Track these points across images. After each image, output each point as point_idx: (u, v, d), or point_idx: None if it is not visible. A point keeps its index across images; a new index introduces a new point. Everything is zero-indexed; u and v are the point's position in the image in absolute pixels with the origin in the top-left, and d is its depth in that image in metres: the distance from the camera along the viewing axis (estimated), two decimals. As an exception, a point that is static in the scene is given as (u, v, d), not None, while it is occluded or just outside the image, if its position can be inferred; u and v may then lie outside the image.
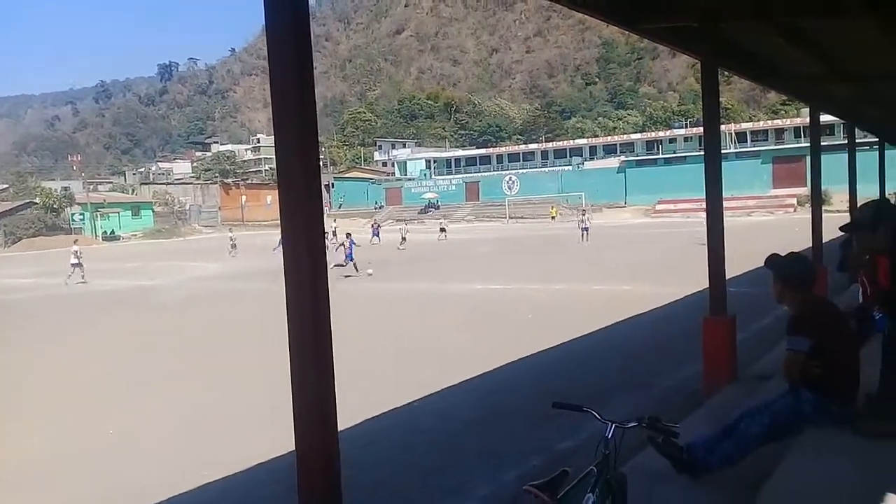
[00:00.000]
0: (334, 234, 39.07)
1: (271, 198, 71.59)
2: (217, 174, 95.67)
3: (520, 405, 8.25)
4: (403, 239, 37.93)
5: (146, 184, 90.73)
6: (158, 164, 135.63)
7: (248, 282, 24.59)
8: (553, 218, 60.55)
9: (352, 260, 25.55)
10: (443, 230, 46.20)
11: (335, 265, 24.69)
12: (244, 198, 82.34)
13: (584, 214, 38.26)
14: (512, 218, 68.15)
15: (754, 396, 5.79)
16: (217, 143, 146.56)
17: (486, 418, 7.91)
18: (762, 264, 4.65)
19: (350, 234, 27.48)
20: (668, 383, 8.86)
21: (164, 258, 40.31)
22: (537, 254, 31.11)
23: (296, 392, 3.04)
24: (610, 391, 8.51)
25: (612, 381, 9.06)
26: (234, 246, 39.04)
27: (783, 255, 4.62)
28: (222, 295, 21.92)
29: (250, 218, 78.40)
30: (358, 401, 8.28)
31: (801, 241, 14.86)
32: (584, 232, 36.08)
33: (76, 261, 27.92)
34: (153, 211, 77.61)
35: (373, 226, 46.98)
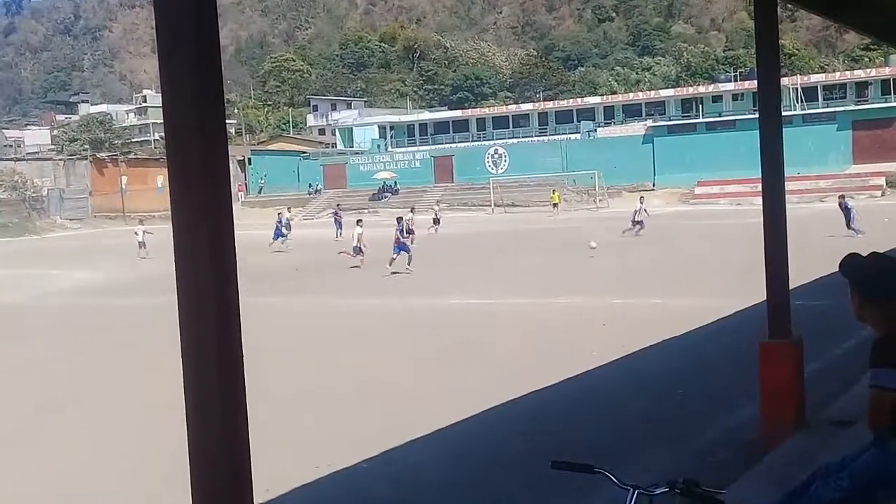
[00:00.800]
0: (286, 225, 39.35)
1: (163, 178, 71.06)
2: (87, 145, 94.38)
3: (511, 462, 8.28)
4: (436, 221, 42.75)
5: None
6: (4, 131, 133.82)
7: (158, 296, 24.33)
8: (555, 205, 60.87)
9: (404, 251, 27.58)
10: (436, 221, 46.52)
11: (390, 260, 27.05)
12: (125, 179, 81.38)
13: (641, 202, 39.37)
14: (499, 206, 68.29)
15: (828, 449, 5.84)
16: (87, 102, 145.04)
17: (464, 482, 7.91)
18: (838, 268, 4.68)
19: (402, 219, 29.32)
20: (712, 433, 8.93)
21: (15, 264, 39.68)
22: (556, 254, 31.27)
23: (193, 452, 3.00)
24: (633, 444, 8.55)
25: (635, 431, 9.11)
26: (142, 244, 38.31)
27: (864, 256, 4.66)
28: (109, 315, 21.69)
29: (134, 207, 77.39)
30: (287, 462, 8.23)
31: (892, 235, 15.06)
32: (638, 226, 37.40)
33: None
34: (-4, 198, 76.45)
35: (335, 214, 47.28)
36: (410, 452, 8.82)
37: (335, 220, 46.61)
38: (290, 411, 10.61)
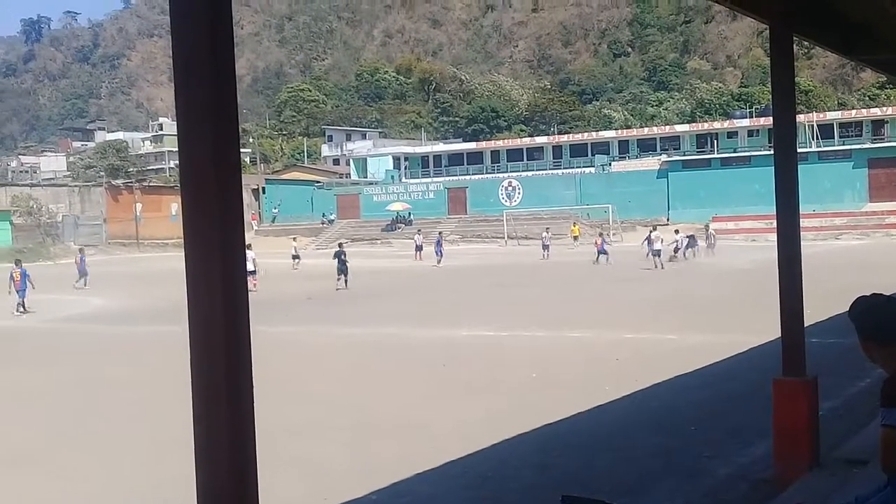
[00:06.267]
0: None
1: (178, 206, 71.39)
2: (102, 172, 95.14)
3: (522, 495, 8.25)
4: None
5: (3, 185, 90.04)
6: (20, 157, 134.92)
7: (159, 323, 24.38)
8: (575, 238, 61.01)
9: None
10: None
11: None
12: (139, 206, 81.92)
13: (707, 230, 41.59)
14: (512, 238, 68.32)
15: (842, 489, 5.80)
16: (103, 129, 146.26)
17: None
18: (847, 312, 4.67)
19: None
20: (725, 470, 8.88)
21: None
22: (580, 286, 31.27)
23: (200, 482, 3.00)
24: (644, 481, 8.49)
25: (646, 467, 9.05)
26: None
27: (868, 298, 4.64)
28: (118, 342, 21.73)
29: (148, 234, 78.04)
30: (295, 493, 8.20)
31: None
32: (691, 251, 40.90)
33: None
34: (12, 223, 76.88)
35: (437, 243, 50.31)
36: (420, 484, 8.78)
37: (437, 249, 49.41)
38: (299, 441, 10.60)
